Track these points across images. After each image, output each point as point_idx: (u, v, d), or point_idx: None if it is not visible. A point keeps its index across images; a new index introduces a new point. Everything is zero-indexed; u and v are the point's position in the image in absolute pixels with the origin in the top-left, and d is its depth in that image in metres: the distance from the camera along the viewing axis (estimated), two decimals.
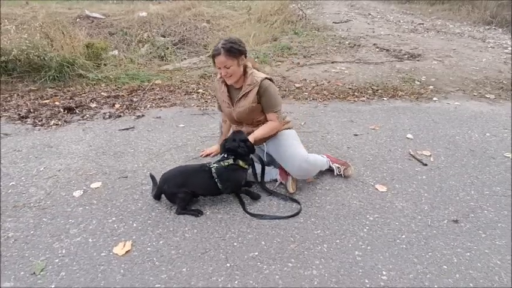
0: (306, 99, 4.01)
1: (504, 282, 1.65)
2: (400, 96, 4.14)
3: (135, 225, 1.97)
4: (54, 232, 1.91)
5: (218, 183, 2.06)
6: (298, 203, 2.15)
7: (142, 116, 3.48)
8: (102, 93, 4.00)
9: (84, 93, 3.99)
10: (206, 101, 3.86)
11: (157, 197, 2.15)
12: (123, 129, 3.15)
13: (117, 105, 3.69)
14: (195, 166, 2.19)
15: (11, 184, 2.33)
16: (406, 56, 5.82)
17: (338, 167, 2.44)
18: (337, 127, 3.29)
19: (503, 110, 3.84)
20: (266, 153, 2.34)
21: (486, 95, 4.27)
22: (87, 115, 3.46)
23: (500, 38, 7.70)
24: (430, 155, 2.81)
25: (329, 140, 3.03)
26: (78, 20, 7.55)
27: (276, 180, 2.36)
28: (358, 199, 2.24)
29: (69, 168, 2.53)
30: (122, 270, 1.67)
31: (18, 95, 3.89)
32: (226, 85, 2.25)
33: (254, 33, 6.49)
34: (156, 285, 1.60)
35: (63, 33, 4.76)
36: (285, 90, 4.23)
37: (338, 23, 8.71)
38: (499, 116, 3.65)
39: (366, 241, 1.89)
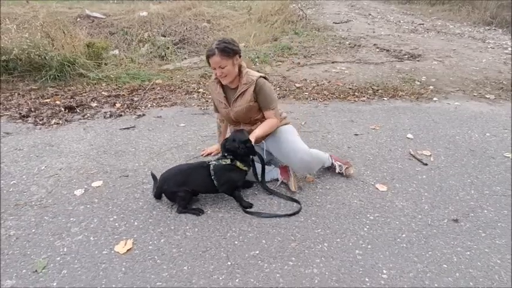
0: (307, 99, 4.02)
1: (504, 281, 1.66)
2: (400, 96, 4.14)
3: (136, 223, 1.98)
4: (56, 230, 1.91)
5: (214, 181, 2.06)
6: (299, 202, 2.15)
7: (143, 115, 3.49)
8: (103, 93, 4.00)
9: (85, 93, 4.00)
10: (207, 101, 3.87)
11: (158, 196, 2.16)
12: (124, 129, 3.16)
13: (117, 105, 3.70)
14: (195, 164, 2.20)
15: (12, 183, 2.34)
16: (406, 56, 5.82)
17: (340, 165, 2.44)
18: (337, 127, 3.30)
19: (503, 110, 3.85)
20: (266, 150, 2.33)
21: (486, 95, 4.28)
22: (88, 114, 3.47)
23: (500, 38, 7.70)
24: (430, 155, 2.81)
25: (329, 140, 3.04)
26: (78, 19, 7.54)
27: (277, 180, 2.36)
28: (359, 198, 2.25)
29: (70, 167, 2.53)
30: (123, 269, 1.68)
31: (19, 94, 3.90)
32: (222, 86, 2.25)
33: (254, 33, 6.49)
34: (158, 284, 1.60)
35: (63, 32, 4.77)
36: (286, 90, 4.23)
37: (338, 23, 8.72)
38: (499, 116, 3.66)
39: (367, 240, 1.89)
